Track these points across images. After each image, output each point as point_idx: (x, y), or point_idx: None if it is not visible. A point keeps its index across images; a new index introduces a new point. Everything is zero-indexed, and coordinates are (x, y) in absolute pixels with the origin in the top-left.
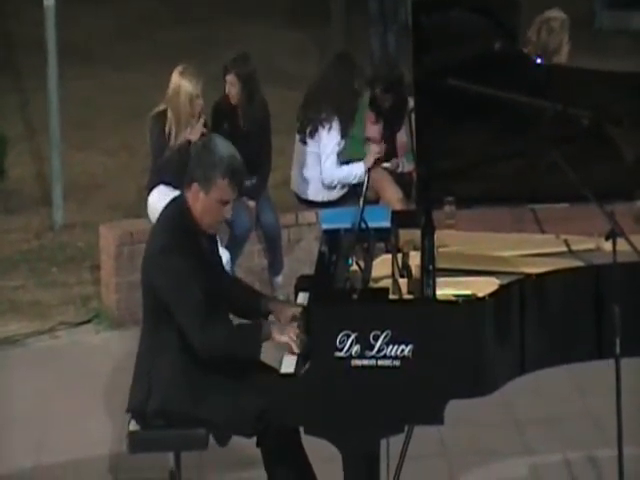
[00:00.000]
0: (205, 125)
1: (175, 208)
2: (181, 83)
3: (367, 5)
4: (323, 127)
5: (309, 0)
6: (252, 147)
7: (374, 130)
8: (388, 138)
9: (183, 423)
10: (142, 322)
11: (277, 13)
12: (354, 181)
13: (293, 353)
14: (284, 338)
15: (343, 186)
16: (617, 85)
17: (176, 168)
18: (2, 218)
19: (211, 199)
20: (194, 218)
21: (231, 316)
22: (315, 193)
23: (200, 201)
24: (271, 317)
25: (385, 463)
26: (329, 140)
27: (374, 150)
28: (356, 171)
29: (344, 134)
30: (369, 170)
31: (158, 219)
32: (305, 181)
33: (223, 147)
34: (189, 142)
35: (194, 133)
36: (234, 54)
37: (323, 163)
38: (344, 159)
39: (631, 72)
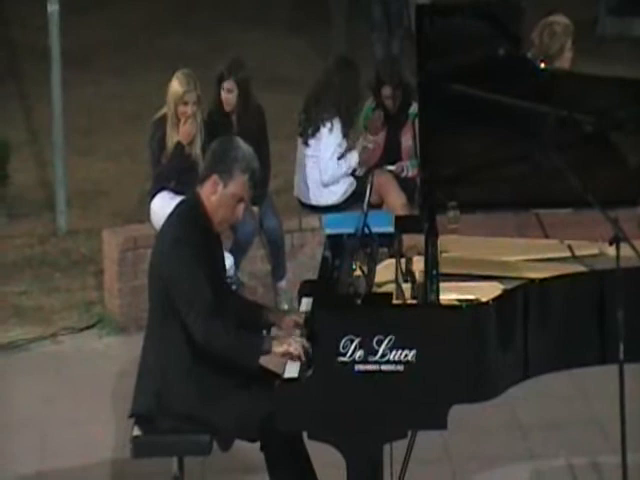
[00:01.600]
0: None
1: (188, 204)
2: (171, 85)
3: (369, 10)
4: (324, 126)
5: (310, 6)
6: None
7: (377, 137)
8: (393, 142)
9: (188, 426)
10: (147, 326)
11: (278, 19)
12: (349, 171)
13: (296, 360)
14: (284, 347)
15: (345, 189)
16: (620, 91)
17: (174, 173)
18: (6, 224)
19: (228, 193)
20: (207, 214)
21: None
22: (317, 197)
23: (217, 194)
24: (274, 330)
25: (389, 468)
26: (331, 139)
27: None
28: (351, 162)
29: (345, 134)
30: (373, 175)
31: (169, 216)
32: (307, 185)
33: (245, 146)
34: (181, 146)
35: (182, 134)
36: (228, 61)
37: (325, 163)
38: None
39: (634, 78)
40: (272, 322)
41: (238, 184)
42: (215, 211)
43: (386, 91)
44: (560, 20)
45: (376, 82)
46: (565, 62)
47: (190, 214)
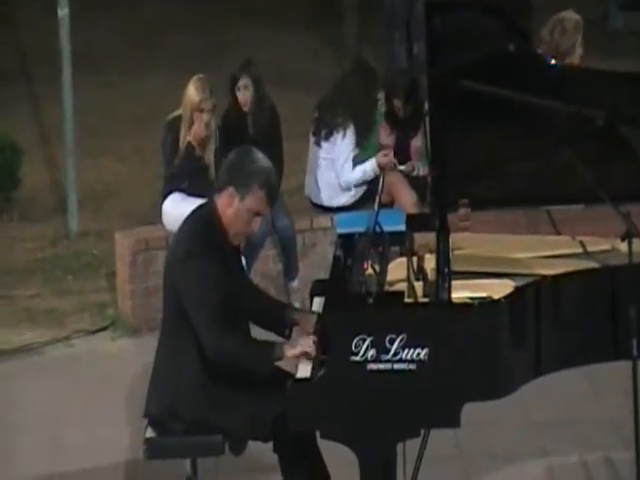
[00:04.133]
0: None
1: (203, 214)
2: (188, 91)
3: (392, 10)
4: (338, 132)
5: (322, 2)
6: (263, 153)
7: (388, 139)
8: (402, 142)
9: (201, 429)
10: (161, 328)
11: (290, 16)
12: (368, 179)
13: (309, 359)
14: (297, 350)
15: (357, 191)
16: (630, 86)
17: (185, 174)
18: (17, 227)
19: (244, 207)
20: (222, 225)
21: (256, 328)
22: (329, 198)
23: (233, 207)
24: (296, 329)
25: (402, 467)
26: (343, 146)
27: (380, 157)
28: (368, 170)
29: (359, 143)
30: (384, 173)
31: (184, 224)
32: (319, 186)
33: (264, 159)
34: (192, 147)
35: (192, 134)
36: (240, 61)
37: (339, 169)
38: (358, 161)
39: None
40: (296, 321)
41: (255, 199)
42: (230, 224)
43: (396, 102)
44: (571, 17)
45: (386, 92)
46: (576, 58)
47: (205, 225)
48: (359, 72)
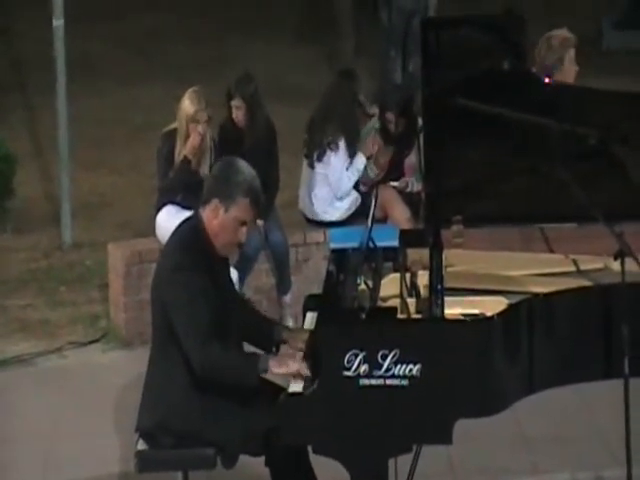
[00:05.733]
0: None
1: (189, 227)
2: (183, 103)
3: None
4: (331, 150)
5: (318, 15)
6: (259, 167)
7: (381, 154)
8: (395, 159)
9: (192, 442)
10: (152, 341)
11: (287, 30)
12: (360, 174)
13: (297, 378)
14: (283, 370)
15: (350, 205)
16: (624, 105)
17: (180, 187)
18: (11, 237)
19: (230, 217)
20: (208, 238)
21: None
22: (323, 213)
23: (218, 218)
24: (283, 347)
25: None
26: (337, 162)
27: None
28: (359, 166)
29: (352, 152)
30: (377, 189)
31: (171, 237)
32: (312, 201)
33: (247, 168)
34: (187, 160)
35: (187, 147)
36: (237, 76)
37: (337, 183)
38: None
39: (638, 92)
40: (284, 340)
41: (240, 208)
42: (216, 236)
43: (389, 116)
44: (558, 33)
45: (380, 106)
46: (569, 75)
47: (192, 238)
48: (340, 81)
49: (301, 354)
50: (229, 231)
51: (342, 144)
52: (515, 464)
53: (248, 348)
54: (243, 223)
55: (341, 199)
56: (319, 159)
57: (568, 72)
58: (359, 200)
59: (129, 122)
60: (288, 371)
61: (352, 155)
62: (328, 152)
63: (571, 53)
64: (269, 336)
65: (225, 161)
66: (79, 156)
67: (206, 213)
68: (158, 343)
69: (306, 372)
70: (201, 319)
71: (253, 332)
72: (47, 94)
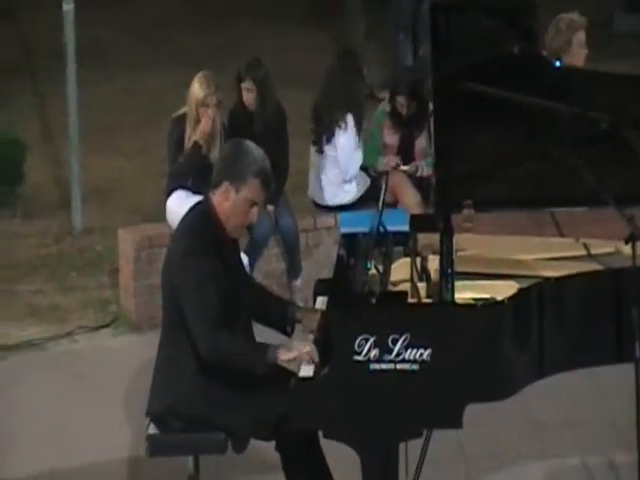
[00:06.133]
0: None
1: (200, 211)
2: (192, 87)
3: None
4: (340, 127)
5: (328, 1)
6: (269, 151)
7: (392, 138)
8: (406, 143)
9: (201, 427)
10: (161, 326)
11: (295, 14)
12: None
13: (308, 361)
14: (293, 354)
15: (359, 188)
16: (635, 88)
17: (190, 172)
18: (21, 223)
19: (241, 198)
20: (219, 221)
21: (257, 325)
22: (332, 196)
23: (230, 200)
24: (299, 326)
25: (404, 467)
26: (346, 141)
27: (389, 162)
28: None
29: (359, 128)
30: (387, 174)
31: (181, 222)
32: (322, 186)
33: (256, 149)
34: (198, 146)
35: (198, 132)
36: (246, 60)
37: (347, 161)
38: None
39: None
40: (298, 319)
41: (250, 189)
42: (227, 218)
43: (400, 99)
44: (566, 16)
45: (391, 89)
46: (578, 59)
47: (202, 222)
48: (340, 61)
49: (312, 337)
50: (240, 212)
51: (350, 121)
52: (525, 449)
53: (263, 330)
54: (254, 204)
55: (350, 181)
56: (328, 141)
57: (577, 55)
58: (368, 184)
59: (139, 108)
60: (298, 354)
61: (360, 131)
62: (337, 132)
63: (579, 36)
64: (283, 316)
65: (233, 142)
66: (89, 141)
67: (216, 197)
68: (167, 328)
69: (316, 356)
70: (210, 305)
71: (267, 312)
72: (56, 79)
